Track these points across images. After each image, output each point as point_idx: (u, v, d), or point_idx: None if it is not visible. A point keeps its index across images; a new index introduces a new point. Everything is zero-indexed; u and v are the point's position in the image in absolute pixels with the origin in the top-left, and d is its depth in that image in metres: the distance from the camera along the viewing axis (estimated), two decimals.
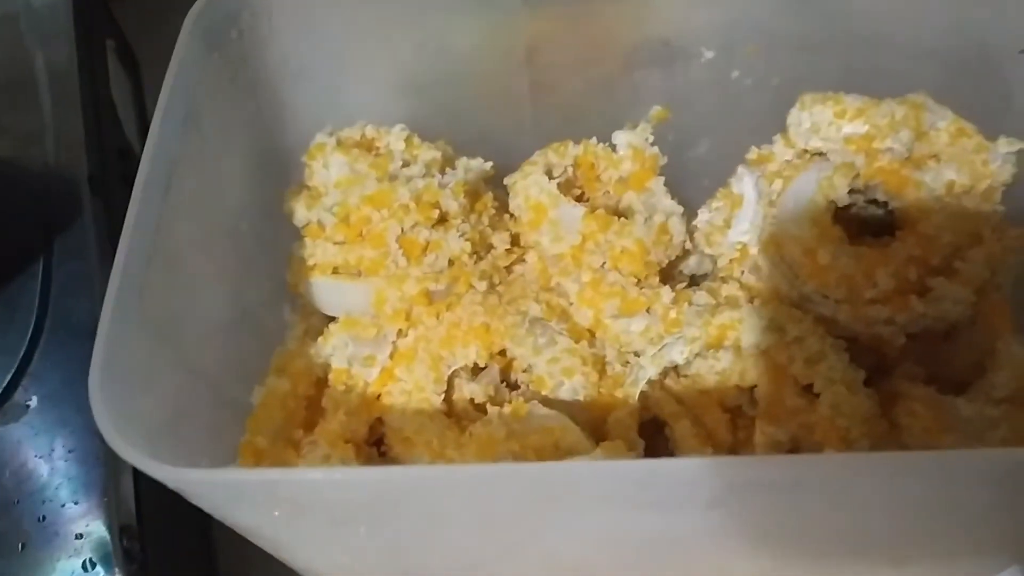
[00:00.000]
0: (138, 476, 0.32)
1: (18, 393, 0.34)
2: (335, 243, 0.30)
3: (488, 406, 0.28)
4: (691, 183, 0.34)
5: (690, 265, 0.34)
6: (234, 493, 0.20)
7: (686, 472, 0.20)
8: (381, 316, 0.29)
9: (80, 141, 0.40)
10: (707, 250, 0.32)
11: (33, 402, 0.33)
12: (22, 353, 0.34)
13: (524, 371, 0.29)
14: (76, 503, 0.30)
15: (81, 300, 0.36)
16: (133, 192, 0.25)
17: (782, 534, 0.24)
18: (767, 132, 0.32)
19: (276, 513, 0.21)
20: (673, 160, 0.33)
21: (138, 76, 0.51)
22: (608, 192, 0.33)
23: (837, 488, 0.20)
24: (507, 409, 0.27)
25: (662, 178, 0.33)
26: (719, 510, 0.21)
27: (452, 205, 0.30)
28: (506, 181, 0.32)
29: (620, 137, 0.33)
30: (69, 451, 0.32)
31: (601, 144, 0.33)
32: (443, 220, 0.30)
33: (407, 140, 0.32)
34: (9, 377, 0.34)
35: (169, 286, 0.26)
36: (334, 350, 0.29)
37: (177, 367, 0.26)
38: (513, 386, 0.30)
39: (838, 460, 0.22)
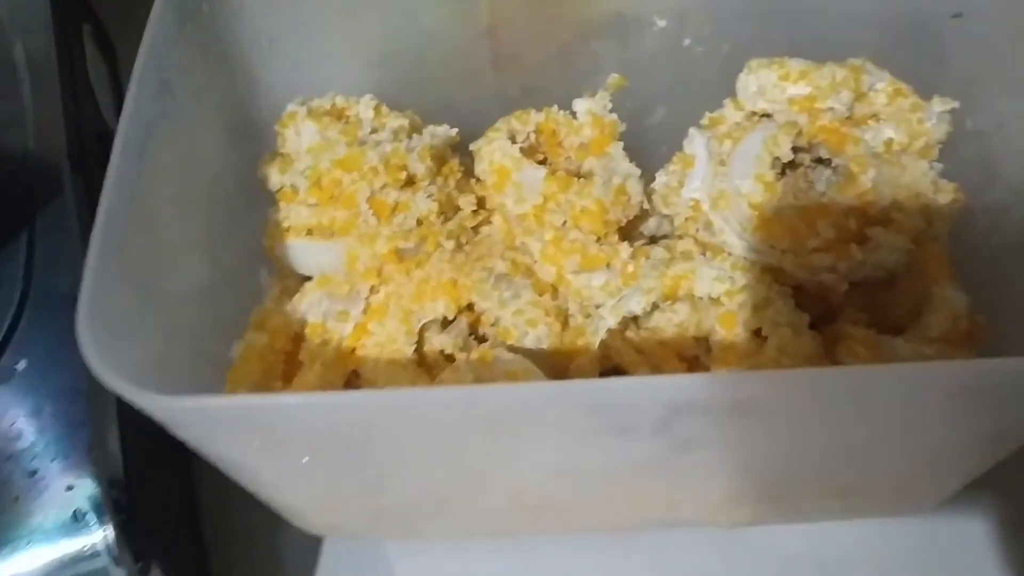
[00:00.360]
0: (124, 432, 0.33)
1: (6, 358, 0.35)
2: (308, 206, 0.31)
3: (456, 355, 0.29)
4: (650, 149, 0.36)
5: (649, 227, 0.36)
6: (219, 421, 0.22)
7: (632, 391, 0.21)
8: (354, 274, 0.31)
9: (59, 122, 0.42)
10: (664, 211, 0.34)
11: (21, 365, 0.35)
12: (9, 321, 0.35)
13: (491, 324, 0.31)
14: (66, 457, 0.32)
15: (64, 271, 0.37)
16: (111, 157, 0.26)
17: (727, 463, 0.25)
18: (718, 98, 0.34)
19: (256, 442, 0.22)
20: (632, 127, 0.35)
21: (114, 60, 0.52)
22: (570, 157, 0.35)
23: (776, 407, 0.22)
24: (474, 355, 0.29)
25: (621, 143, 0.34)
26: (665, 436, 0.23)
27: (419, 168, 0.31)
28: (472, 147, 0.34)
29: (580, 104, 0.34)
30: (57, 410, 0.34)
31: (562, 112, 0.35)
32: (411, 183, 0.32)
33: (376, 109, 0.33)
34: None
35: (148, 246, 0.28)
36: (309, 306, 0.31)
37: (159, 321, 0.27)
38: (481, 339, 0.32)
39: (776, 376, 0.23)
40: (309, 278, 0.32)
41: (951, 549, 0.33)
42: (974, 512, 0.34)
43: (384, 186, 0.30)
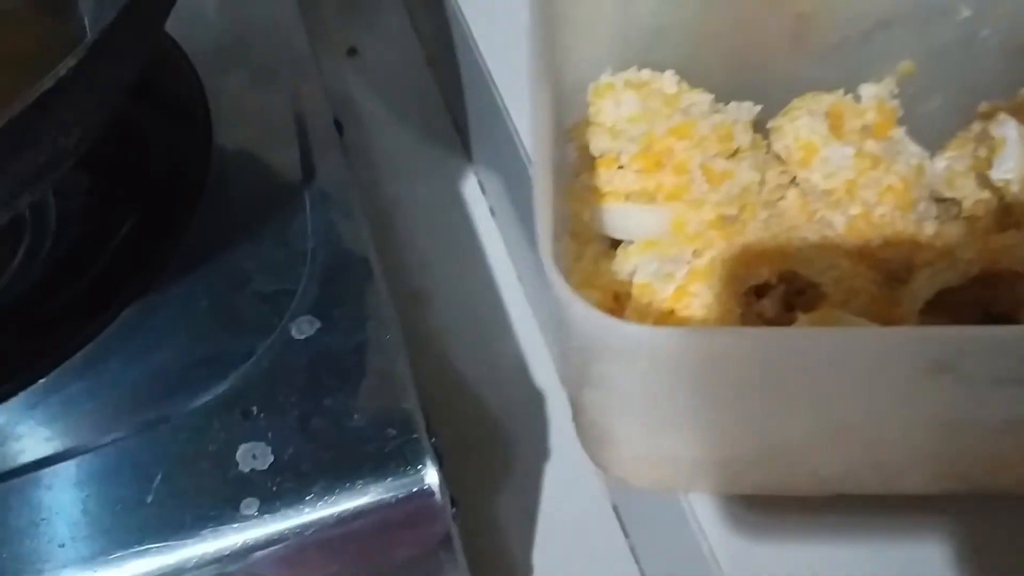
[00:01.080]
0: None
1: (305, 316, 0.36)
2: (633, 172, 0.33)
3: (796, 314, 0.31)
4: (916, 136, 0.37)
5: (918, 210, 0.37)
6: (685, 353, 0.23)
7: None
8: (680, 237, 0.32)
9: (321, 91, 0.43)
10: (949, 193, 0.35)
11: (318, 323, 0.36)
12: (304, 279, 0.37)
13: (810, 288, 0.32)
14: (380, 405, 0.33)
15: (344, 227, 0.39)
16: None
17: None
18: (999, 88, 0.36)
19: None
20: (904, 113, 0.36)
21: None
22: (850, 140, 0.36)
23: None
24: (813, 315, 0.30)
25: (903, 127, 0.36)
26: None
27: (744, 139, 0.33)
28: (770, 124, 0.35)
29: (867, 90, 0.36)
30: (361, 364, 0.35)
31: (849, 95, 0.36)
32: (733, 153, 0.33)
33: (678, 84, 0.35)
34: (296, 300, 0.36)
35: None
36: (637, 267, 0.32)
37: None
38: (798, 304, 0.33)
39: None
40: (617, 241, 0.34)
41: None
42: None
43: (715, 155, 0.32)
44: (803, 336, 0.25)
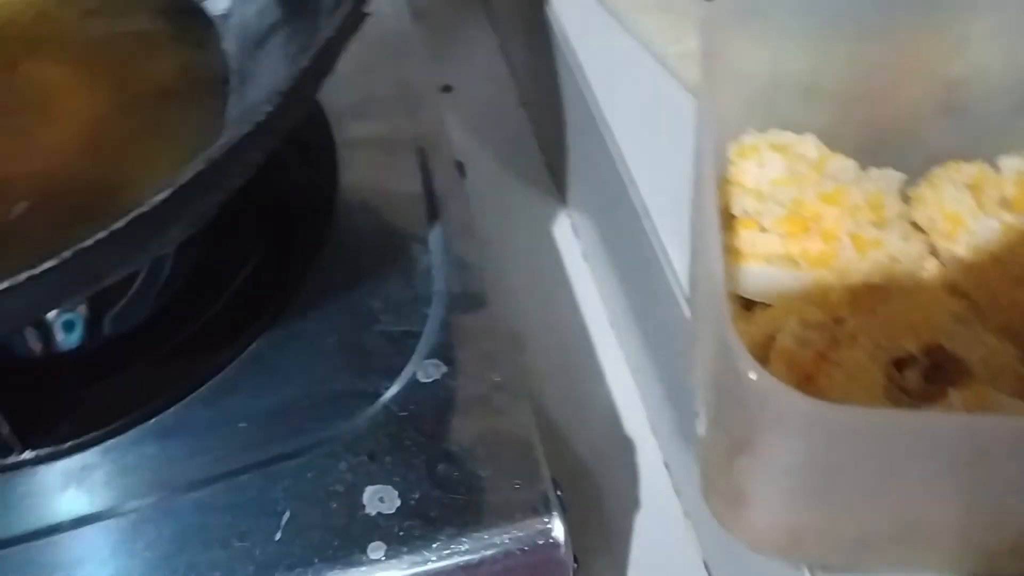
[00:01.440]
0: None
1: (431, 359, 0.36)
2: (777, 235, 0.33)
3: (941, 388, 0.30)
4: None
5: None
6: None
7: None
8: (824, 305, 0.32)
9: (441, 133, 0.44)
10: None
11: (444, 367, 0.36)
12: (429, 321, 0.37)
13: (954, 362, 0.32)
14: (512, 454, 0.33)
15: (468, 270, 0.39)
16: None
17: None
18: None
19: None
20: None
21: None
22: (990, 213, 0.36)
23: None
24: (965, 393, 0.30)
25: None
26: None
27: (892, 207, 0.32)
28: (910, 192, 0.35)
29: (1009, 162, 0.36)
30: (487, 409, 0.35)
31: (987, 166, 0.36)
32: (880, 221, 0.33)
33: (818, 148, 0.35)
34: (421, 342, 0.36)
35: None
36: (777, 331, 0.32)
37: None
38: (942, 378, 0.32)
39: None
40: (748, 301, 0.34)
41: None
42: None
43: (865, 223, 0.32)
44: (990, 423, 0.24)
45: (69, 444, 0.34)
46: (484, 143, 0.62)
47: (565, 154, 0.55)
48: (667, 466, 0.47)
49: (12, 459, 0.33)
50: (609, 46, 0.47)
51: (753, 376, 0.22)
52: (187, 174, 0.23)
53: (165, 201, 0.22)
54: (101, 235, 0.22)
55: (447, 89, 0.65)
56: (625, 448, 0.49)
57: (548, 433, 0.49)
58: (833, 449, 0.24)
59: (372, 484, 0.33)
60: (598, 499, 0.47)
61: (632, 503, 0.47)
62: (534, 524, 0.32)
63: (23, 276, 0.21)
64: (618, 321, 0.52)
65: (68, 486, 0.34)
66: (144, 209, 0.22)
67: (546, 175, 0.60)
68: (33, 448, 0.34)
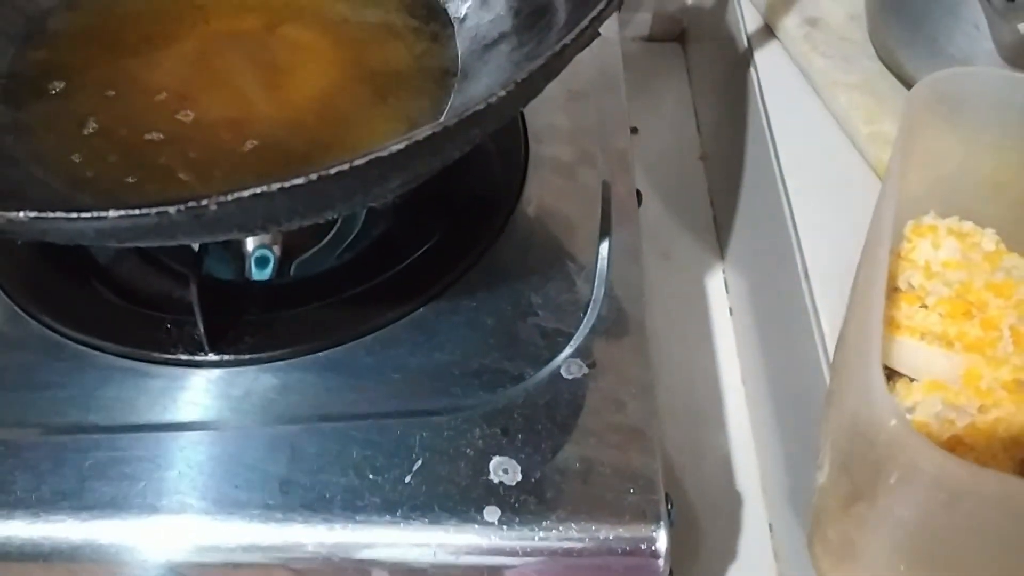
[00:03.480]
0: None
1: (576, 360, 0.39)
2: (937, 314, 0.34)
3: None
4: None
5: None
6: None
7: None
8: (970, 389, 0.33)
9: (625, 163, 0.46)
10: None
11: (586, 369, 0.38)
12: (582, 325, 0.40)
13: None
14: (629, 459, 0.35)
15: (628, 288, 0.41)
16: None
17: None
18: None
19: None
20: None
21: None
22: None
23: None
24: None
25: None
26: None
27: None
28: None
29: None
30: (619, 416, 0.37)
31: None
32: None
33: (996, 243, 0.36)
34: (571, 343, 0.39)
35: None
36: (918, 405, 0.33)
37: None
38: None
39: None
40: (893, 372, 0.34)
41: None
42: None
43: None
44: None
45: (247, 356, 0.38)
46: (658, 187, 0.64)
47: (734, 212, 0.57)
48: (771, 527, 0.47)
49: (199, 356, 0.38)
50: (803, 116, 0.49)
51: (893, 422, 0.24)
52: (422, 133, 0.26)
53: (400, 151, 0.26)
54: (343, 167, 0.26)
55: (634, 131, 0.68)
56: (733, 501, 0.49)
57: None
58: (956, 509, 0.25)
59: (500, 455, 0.35)
60: (697, 544, 0.48)
61: (730, 555, 0.48)
62: (641, 529, 0.33)
63: (275, 187, 0.25)
64: (749, 380, 0.53)
65: (236, 392, 0.38)
66: (381, 153, 0.26)
67: (711, 228, 0.62)
68: (218, 352, 0.38)
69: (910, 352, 0.34)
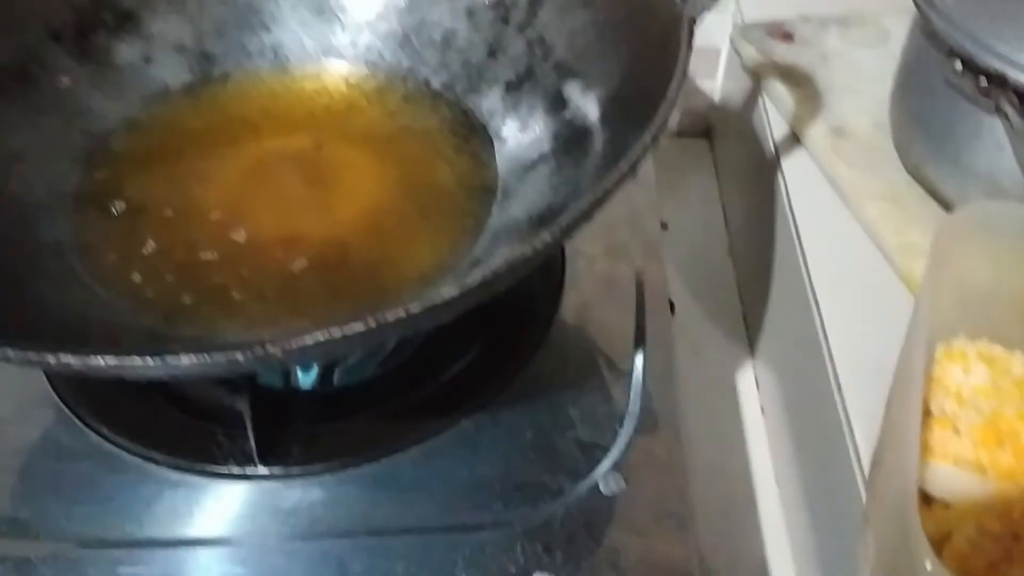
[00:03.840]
0: None
1: (613, 473, 0.40)
2: (970, 440, 0.34)
3: None
4: None
5: None
6: None
7: None
8: (1006, 517, 0.33)
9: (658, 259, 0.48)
10: None
11: (623, 484, 0.39)
12: (619, 438, 0.41)
13: None
14: None
15: (664, 399, 0.42)
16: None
17: None
18: None
19: None
20: None
21: None
22: None
23: None
24: None
25: None
26: None
27: None
28: None
29: None
30: (659, 532, 0.38)
31: None
32: None
33: None
34: (608, 456, 0.40)
35: None
36: (957, 530, 0.33)
37: None
38: None
39: None
40: (929, 496, 0.35)
41: None
42: None
43: None
44: None
45: (296, 469, 0.39)
46: (687, 282, 0.65)
47: (764, 309, 0.58)
48: None
49: (249, 470, 0.39)
50: (831, 223, 0.50)
51: (928, 567, 0.24)
52: (474, 279, 0.28)
53: (455, 298, 0.28)
54: (400, 314, 0.27)
55: (663, 226, 0.70)
56: None
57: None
58: None
59: (541, 571, 0.36)
60: None
61: None
62: None
63: (337, 333, 0.26)
64: (784, 481, 0.53)
65: (285, 505, 0.39)
66: (436, 300, 0.28)
67: (741, 324, 0.63)
68: (267, 465, 0.39)
69: (944, 478, 0.35)
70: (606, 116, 0.40)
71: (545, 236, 0.29)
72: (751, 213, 0.61)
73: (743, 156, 0.64)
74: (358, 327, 0.27)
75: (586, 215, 0.30)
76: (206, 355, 0.26)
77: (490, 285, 0.29)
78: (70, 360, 0.25)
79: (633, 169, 0.31)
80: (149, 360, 0.26)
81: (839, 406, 0.43)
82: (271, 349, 0.26)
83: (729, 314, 0.64)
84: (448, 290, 0.28)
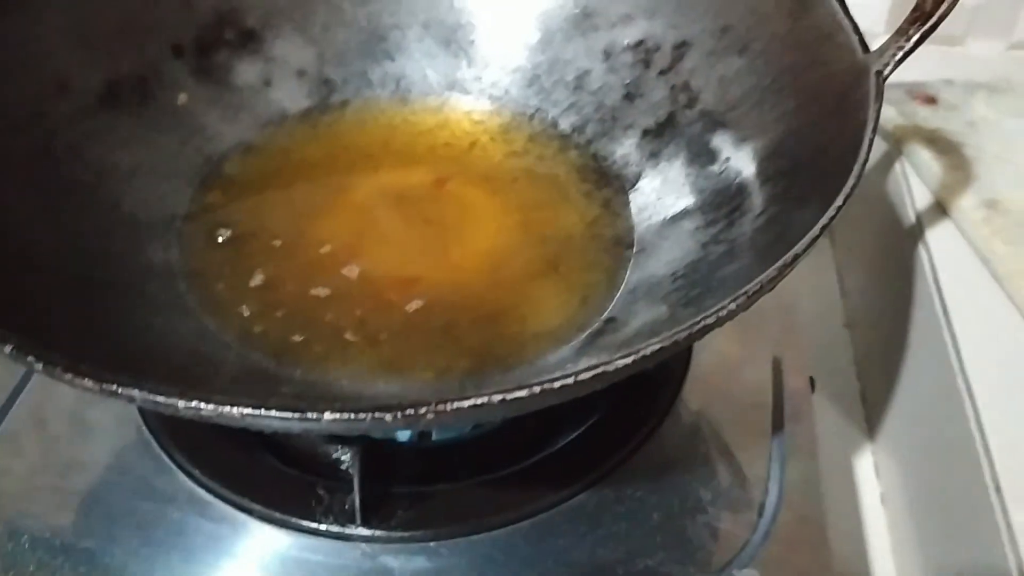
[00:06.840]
0: None
1: (749, 569, 0.35)
2: None
3: None
4: None
5: None
6: None
7: None
8: None
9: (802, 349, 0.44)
10: None
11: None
12: (757, 530, 0.36)
13: None
14: None
15: (807, 489, 0.38)
16: None
17: None
18: None
19: None
20: None
21: None
22: None
23: None
24: None
25: None
26: None
27: None
28: None
29: None
30: None
31: None
32: None
33: None
34: (744, 549, 0.36)
35: None
36: None
37: None
38: None
39: None
40: None
41: None
42: None
43: None
44: None
45: (399, 533, 0.36)
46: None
47: (890, 389, 0.54)
48: None
49: (349, 529, 0.36)
50: (984, 303, 0.46)
51: None
52: (649, 347, 0.24)
53: (627, 365, 0.24)
54: (567, 380, 0.24)
55: None
56: None
57: None
58: None
59: None
60: None
61: None
62: None
63: (496, 398, 0.23)
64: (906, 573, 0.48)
65: (381, 571, 0.35)
66: (607, 368, 0.24)
67: (857, 402, 0.58)
68: (369, 527, 0.36)
69: None
70: (764, 173, 0.37)
71: (722, 311, 0.25)
72: (878, 285, 0.57)
73: (871, 223, 0.60)
74: (520, 393, 0.23)
75: (769, 289, 0.27)
76: (351, 414, 0.22)
77: (661, 354, 0.25)
78: (201, 408, 0.22)
79: (814, 242, 0.27)
80: (288, 414, 0.22)
81: (997, 510, 0.38)
82: (425, 412, 0.22)
83: (845, 391, 0.59)
84: (621, 358, 0.24)
